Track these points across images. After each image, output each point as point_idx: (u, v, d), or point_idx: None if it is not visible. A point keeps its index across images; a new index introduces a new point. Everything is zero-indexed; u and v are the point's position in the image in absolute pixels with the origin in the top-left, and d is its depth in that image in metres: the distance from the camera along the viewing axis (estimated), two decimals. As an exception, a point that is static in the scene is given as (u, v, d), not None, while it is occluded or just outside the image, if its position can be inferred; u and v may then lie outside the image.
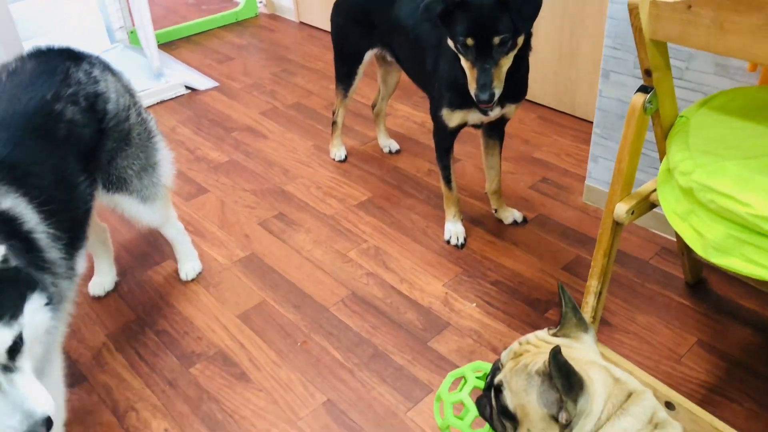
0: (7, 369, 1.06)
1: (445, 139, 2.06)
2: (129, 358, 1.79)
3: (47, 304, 1.13)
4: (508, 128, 2.18)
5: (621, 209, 1.43)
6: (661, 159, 1.45)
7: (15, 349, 1.06)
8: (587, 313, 1.58)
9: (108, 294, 2.02)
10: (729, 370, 1.66)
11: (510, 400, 1.02)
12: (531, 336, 1.09)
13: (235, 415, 1.62)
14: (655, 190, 1.44)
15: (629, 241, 2.11)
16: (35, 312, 1.12)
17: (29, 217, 1.23)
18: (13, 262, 1.09)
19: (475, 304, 1.92)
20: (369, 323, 1.87)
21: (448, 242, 2.16)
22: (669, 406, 1.44)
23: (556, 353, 0.91)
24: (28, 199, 1.25)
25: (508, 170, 2.50)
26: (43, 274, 1.21)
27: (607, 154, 2.18)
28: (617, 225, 1.47)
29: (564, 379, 0.93)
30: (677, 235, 1.80)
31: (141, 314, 1.94)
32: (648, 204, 1.47)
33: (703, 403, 1.57)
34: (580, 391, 0.94)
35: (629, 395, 0.98)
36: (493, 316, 1.87)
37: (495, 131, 2.14)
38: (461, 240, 2.16)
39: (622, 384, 0.99)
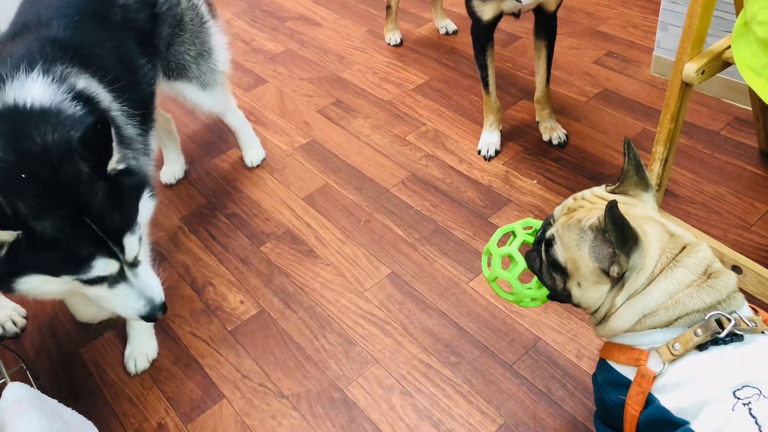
0: (133, 265, 1.20)
1: (480, 33, 1.87)
2: (203, 239, 1.89)
3: (151, 195, 1.22)
4: (570, 1, 2.06)
5: (690, 69, 1.36)
6: (737, 14, 1.36)
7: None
8: (652, 182, 1.55)
9: (178, 181, 2.11)
10: (801, 237, 1.63)
11: (561, 253, 1.02)
12: (587, 192, 1.08)
13: (305, 287, 1.71)
14: (728, 47, 1.36)
15: (699, 113, 2.03)
16: (145, 205, 1.23)
17: (103, 96, 1.29)
18: (126, 163, 1.16)
19: (536, 181, 1.91)
20: (429, 202, 1.90)
21: (479, 152, 2.03)
22: (736, 269, 1.42)
23: (612, 206, 0.90)
24: (97, 79, 1.29)
25: (571, 45, 2.40)
26: (124, 149, 1.28)
27: (678, 21, 2.05)
28: (686, 87, 1.41)
29: (618, 233, 0.92)
30: (752, 100, 1.71)
31: (211, 199, 2.03)
32: (720, 63, 1.39)
33: (771, 268, 1.54)
34: (634, 246, 0.93)
35: (683, 248, 0.97)
36: (555, 192, 1.86)
37: (542, 27, 1.88)
38: (492, 152, 2.01)
39: (677, 238, 0.98)
